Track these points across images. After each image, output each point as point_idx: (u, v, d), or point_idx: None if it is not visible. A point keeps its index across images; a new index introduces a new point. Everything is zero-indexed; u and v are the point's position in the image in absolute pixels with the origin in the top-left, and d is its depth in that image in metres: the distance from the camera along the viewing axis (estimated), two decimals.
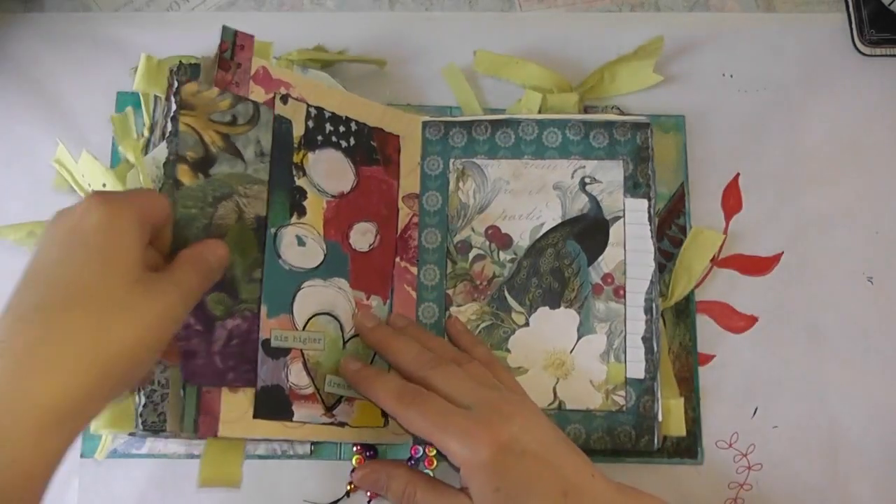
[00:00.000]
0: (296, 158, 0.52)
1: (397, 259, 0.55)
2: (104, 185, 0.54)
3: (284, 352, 0.49)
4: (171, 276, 0.40)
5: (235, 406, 0.47)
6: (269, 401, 0.48)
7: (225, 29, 0.51)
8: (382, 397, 0.47)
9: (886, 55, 0.61)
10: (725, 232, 0.57)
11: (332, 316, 0.51)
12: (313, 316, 0.51)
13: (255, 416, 0.48)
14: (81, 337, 0.35)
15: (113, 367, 0.35)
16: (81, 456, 0.53)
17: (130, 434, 0.51)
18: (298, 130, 0.52)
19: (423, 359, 0.48)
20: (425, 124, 0.57)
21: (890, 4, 0.61)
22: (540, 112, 0.57)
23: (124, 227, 0.38)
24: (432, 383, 0.46)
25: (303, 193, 0.52)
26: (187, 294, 0.40)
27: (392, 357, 0.49)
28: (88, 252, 0.37)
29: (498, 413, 0.43)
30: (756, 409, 0.55)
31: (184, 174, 0.46)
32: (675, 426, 0.53)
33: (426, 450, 0.53)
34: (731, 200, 0.58)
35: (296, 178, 0.51)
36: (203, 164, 0.47)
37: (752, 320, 0.56)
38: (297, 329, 0.50)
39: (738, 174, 0.58)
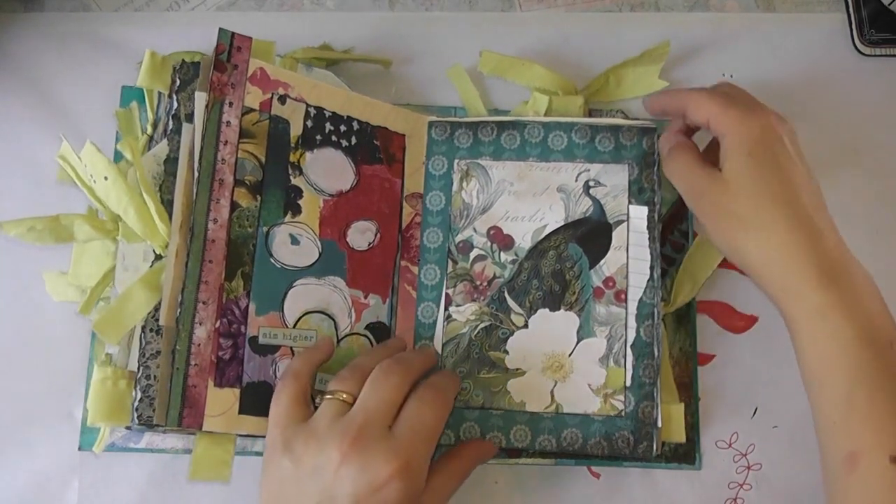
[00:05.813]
0: (292, 158, 0.53)
1: (398, 258, 0.55)
2: (106, 179, 0.54)
3: (273, 349, 0.50)
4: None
5: (221, 401, 0.48)
6: (255, 397, 0.49)
7: (222, 31, 0.52)
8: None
9: (886, 55, 0.61)
10: None
11: (326, 314, 0.52)
12: (305, 314, 0.51)
13: (240, 412, 0.49)
14: None
15: None
16: (80, 448, 0.53)
17: (126, 428, 0.52)
18: (296, 130, 0.53)
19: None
20: (431, 124, 0.57)
21: (890, 4, 0.61)
22: (545, 115, 0.57)
23: None
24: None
25: (298, 192, 0.52)
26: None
27: None
28: None
29: (776, 115, 0.49)
30: (756, 409, 0.55)
31: (241, 196, 0.51)
32: (676, 432, 0.53)
33: None
34: None
35: (292, 178, 0.52)
36: (260, 187, 0.51)
37: (752, 320, 0.56)
38: (286, 327, 0.51)
39: None
